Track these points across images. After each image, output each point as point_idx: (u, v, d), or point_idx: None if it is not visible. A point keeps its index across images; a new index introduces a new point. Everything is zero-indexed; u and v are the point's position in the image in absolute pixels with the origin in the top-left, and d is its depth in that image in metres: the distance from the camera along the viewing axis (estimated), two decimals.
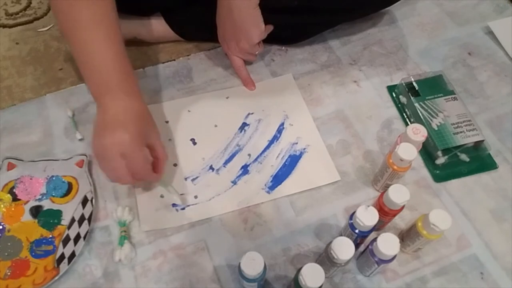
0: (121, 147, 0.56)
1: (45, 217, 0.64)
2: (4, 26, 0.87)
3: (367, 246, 0.57)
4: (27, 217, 0.64)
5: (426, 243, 0.59)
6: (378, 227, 0.64)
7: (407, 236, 0.61)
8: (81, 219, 0.64)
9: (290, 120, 0.76)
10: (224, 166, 0.71)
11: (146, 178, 0.62)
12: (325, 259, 0.55)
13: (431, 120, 0.72)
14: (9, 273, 0.60)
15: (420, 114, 0.72)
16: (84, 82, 0.78)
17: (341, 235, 0.61)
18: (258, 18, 0.67)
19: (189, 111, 0.76)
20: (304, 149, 0.73)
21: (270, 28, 0.74)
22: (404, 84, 0.77)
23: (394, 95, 0.80)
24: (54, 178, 0.67)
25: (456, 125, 0.71)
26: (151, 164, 0.61)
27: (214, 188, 0.68)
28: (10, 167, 0.67)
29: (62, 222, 0.64)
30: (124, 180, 0.60)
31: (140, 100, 0.62)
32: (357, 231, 0.57)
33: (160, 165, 0.63)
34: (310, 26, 0.82)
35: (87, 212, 0.64)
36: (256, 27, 0.68)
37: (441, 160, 0.70)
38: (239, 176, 0.70)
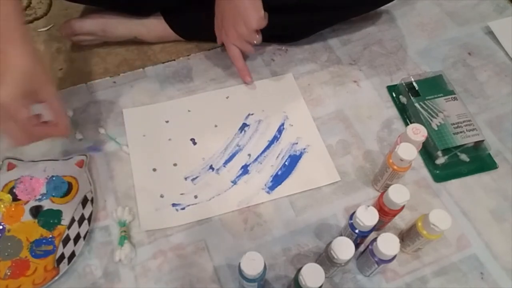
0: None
1: (45, 217, 0.64)
2: None
3: (367, 246, 0.57)
4: (27, 217, 0.64)
5: (426, 243, 0.59)
6: (378, 227, 0.64)
7: (407, 236, 0.61)
8: (81, 219, 0.64)
9: (290, 120, 0.76)
10: (224, 166, 0.71)
11: (44, 136, 0.58)
12: (325, 259, 0.55)
13: (431, 120, 0.72)
14: (9, 273, 0.60)
15: (420, 114, 0.72)
16: (85, 82, 0.79)
17: (341, 235, 0.61)
18: (258, 3, 0.67)
19: (189, 111, 0.76)
20: (304, 149, 0.73)
21: (267, 16, 0.72)
22: (404, 84, 0.76)
23: (394, 95, 0.80)
24: (54, 178, 0.67)
25: (456, 125, 0.71)
26: (46, 121, 0.57)
27: (214, 188, 0.68)
28: (10, 167, 0.67)
29: (62, 222, 0.64)
30: (19, 141, 0.55)
31: (27, 53, 0.53)
32: (357, 231, 0.57)
33: (58, 118, 0.57)
34: (310, 24, 0.82)
35: (87, 212, 0.64)
36: (256, 12, 0.68)
37: (441, 160, 0.70)
38: (239, 176, 0.70)
